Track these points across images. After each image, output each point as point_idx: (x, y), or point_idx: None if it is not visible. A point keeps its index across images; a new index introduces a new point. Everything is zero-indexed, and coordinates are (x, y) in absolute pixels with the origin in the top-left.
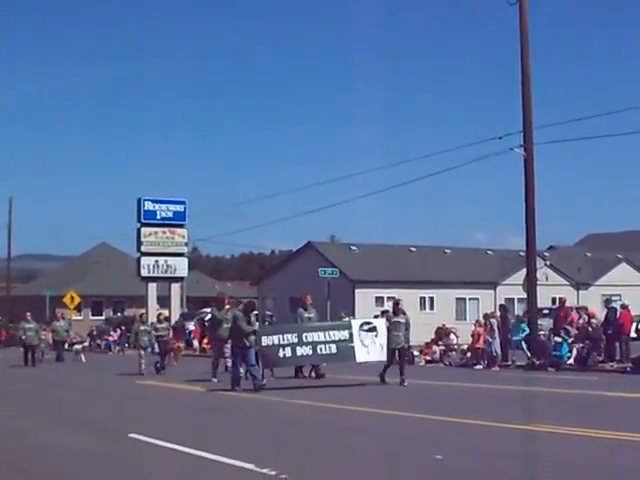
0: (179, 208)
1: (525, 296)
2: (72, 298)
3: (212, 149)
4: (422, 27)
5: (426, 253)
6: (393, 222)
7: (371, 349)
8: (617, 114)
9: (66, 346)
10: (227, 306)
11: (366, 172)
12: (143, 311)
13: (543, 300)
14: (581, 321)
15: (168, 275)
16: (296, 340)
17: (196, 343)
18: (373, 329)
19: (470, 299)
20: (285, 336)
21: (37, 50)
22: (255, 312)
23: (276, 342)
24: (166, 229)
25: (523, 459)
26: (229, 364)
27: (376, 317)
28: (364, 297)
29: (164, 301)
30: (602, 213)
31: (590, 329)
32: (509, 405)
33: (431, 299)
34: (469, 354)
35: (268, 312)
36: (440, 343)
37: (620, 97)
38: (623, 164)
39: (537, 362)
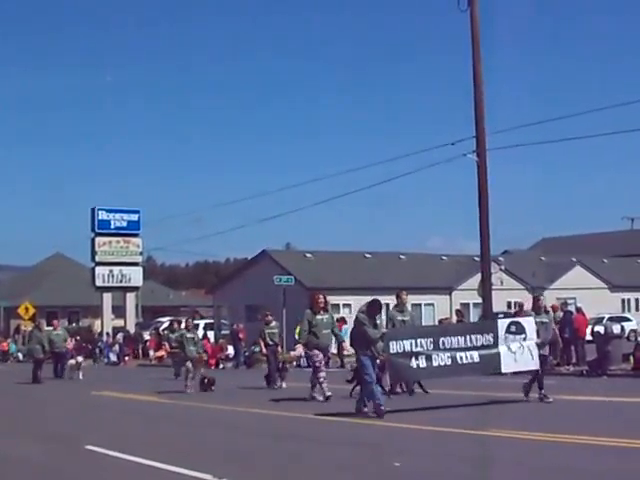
0: (133, 217)
1: (480, 301)
2: (27, 309)
3: (166, 158)
4: (373, 32)
5: (381, 259)
6: (348, 229)
7: (519, 356)
8: (569, 119)
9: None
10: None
11: (320, 179)
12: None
13: (498, 304)
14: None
15: (123, 285)
16: (431, 346)
17: (152, 353)
18: (521, 330)
19: (426, 304)
20: (419, 341)
21: None
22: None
23: (408, 349)
24: (120, 238)
25: (479, 463)
26: (322, 381)
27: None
28: None
29: (119, 311)
30: (556, 217)
31: None
32: (467, 410)
33: (387, 305)
34: None
35: (224, 321)
36: None
37: (572, 102)
38: (576, 168)
39: None
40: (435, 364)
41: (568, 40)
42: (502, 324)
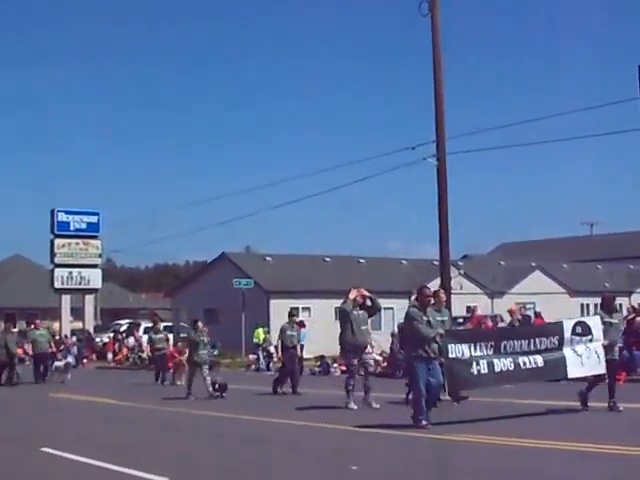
0: (93, 219)
1: None
2: None
3: (126, 159)
4: (332, 32)
5: (340, 263)
6: (307, 232)
7: (585, 359)
8: (529, 124)
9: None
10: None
11: (280, 182)
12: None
13: (457, 309)
14: None
15: (82, 287)
16: (492, 350)
17: (110, 356)
18: (587, 331)
19: (385, 309)
20: (479, 345)
21: None
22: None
23: (467, 353)
24: (80, 240)
25: (436, 467)
26: (351, 389)
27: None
28: (279, 308)
29: (78, 313)
30: (515, 222)
31: None
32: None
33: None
34: (385, 364)
35: (183, 324)
36: None
37: (533, 107)
38: (536, 173)
39: None
40: (497, 369)
41: (529, 45)
42: (567, 325)
